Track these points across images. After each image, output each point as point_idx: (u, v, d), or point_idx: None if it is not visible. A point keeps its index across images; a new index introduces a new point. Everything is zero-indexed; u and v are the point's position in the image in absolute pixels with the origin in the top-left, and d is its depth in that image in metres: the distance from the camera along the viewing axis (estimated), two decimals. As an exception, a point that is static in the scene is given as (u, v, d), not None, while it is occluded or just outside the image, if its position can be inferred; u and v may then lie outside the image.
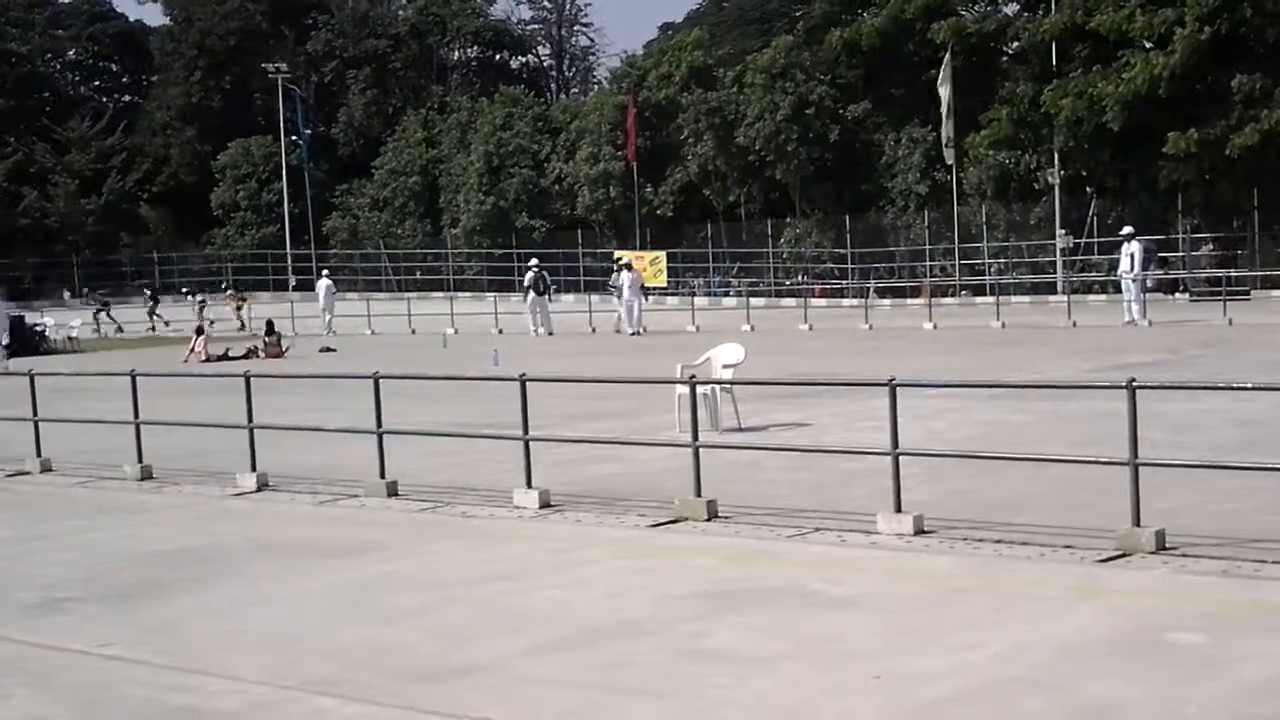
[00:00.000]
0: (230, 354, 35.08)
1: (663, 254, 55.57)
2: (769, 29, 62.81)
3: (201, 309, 46.85)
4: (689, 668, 7.60)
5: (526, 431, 12.97)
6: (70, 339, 43.06)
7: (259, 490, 14.55)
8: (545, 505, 12.65)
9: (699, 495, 11.85)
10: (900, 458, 10.96)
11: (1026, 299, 45.48)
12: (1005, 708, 6.69)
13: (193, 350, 35.11)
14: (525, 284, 42.24)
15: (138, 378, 16.51)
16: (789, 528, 11.18)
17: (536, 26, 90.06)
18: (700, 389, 14.24)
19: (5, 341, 36.25)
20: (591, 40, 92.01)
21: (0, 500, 15.26)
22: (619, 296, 39.61)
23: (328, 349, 37.52)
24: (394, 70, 77.40)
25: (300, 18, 79.09)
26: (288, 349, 36.59)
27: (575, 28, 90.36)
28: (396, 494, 13.66)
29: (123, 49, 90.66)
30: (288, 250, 70.57)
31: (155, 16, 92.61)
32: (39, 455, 16.79)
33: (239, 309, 49.71)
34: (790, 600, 9.03)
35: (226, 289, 56.81)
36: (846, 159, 55.67)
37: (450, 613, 9.14)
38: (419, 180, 68.77)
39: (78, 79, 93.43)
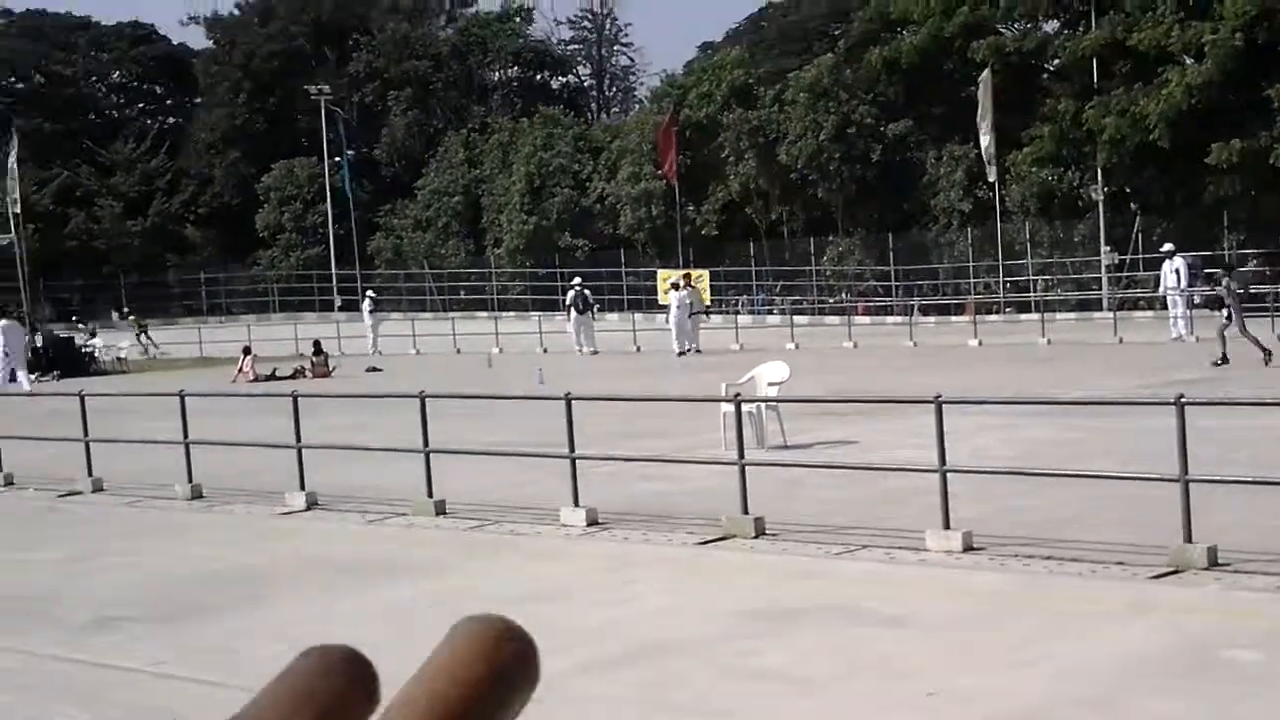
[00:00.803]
0: (278, 374, 35.28)
1: (705, 273, 55.59)
2: (809, 48, 62.80)
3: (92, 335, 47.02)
4: (739, 686, 7.60)
5: (573, 450, 13.00)
6: (119, 359, 43.35)
7: (308, 509, 14.62)
8: (592, 523, 12.67)
9: (746, 513, 11.85)
10: (948, 475, 10.93)
11: (1072, 316, 45.26)
12: (1059, 725, 6.67)
13: (240, 370, 35.33)
14: (567, 303, 42.29)
15: (187, 398, 16.64)
16: (837, 545, 11.17)
17: (577, 47, 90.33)
18: (746, 407, 14.23)
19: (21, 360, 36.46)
20: (631, 60, 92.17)
21: (53, 520, 15.38)
22: (686, 314, 38.89)
23: (374, 368, 37.67)
24: (435, 91, 77.75)
25: (342, 40, 79.57)
26: (334, 369, 36.76)
27: (615, 48, 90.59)
28: (444, 513, 13.71)
29: (166, 71, 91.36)
30: (333, 271, 70.91)
31: (198, 39, 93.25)
32: (90, 475, 16.91)
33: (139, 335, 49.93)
34: (840, 618, 9.01)
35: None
36: (888, 177, 55.60)
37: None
38: (461, 200, 69.03)
39: (122, 101, 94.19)
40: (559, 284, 60.79)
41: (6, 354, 36.13)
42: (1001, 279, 51.14)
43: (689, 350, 37.55)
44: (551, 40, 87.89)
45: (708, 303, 52.89)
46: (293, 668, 0.66)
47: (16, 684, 8.53)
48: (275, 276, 72.75)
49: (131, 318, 54.91)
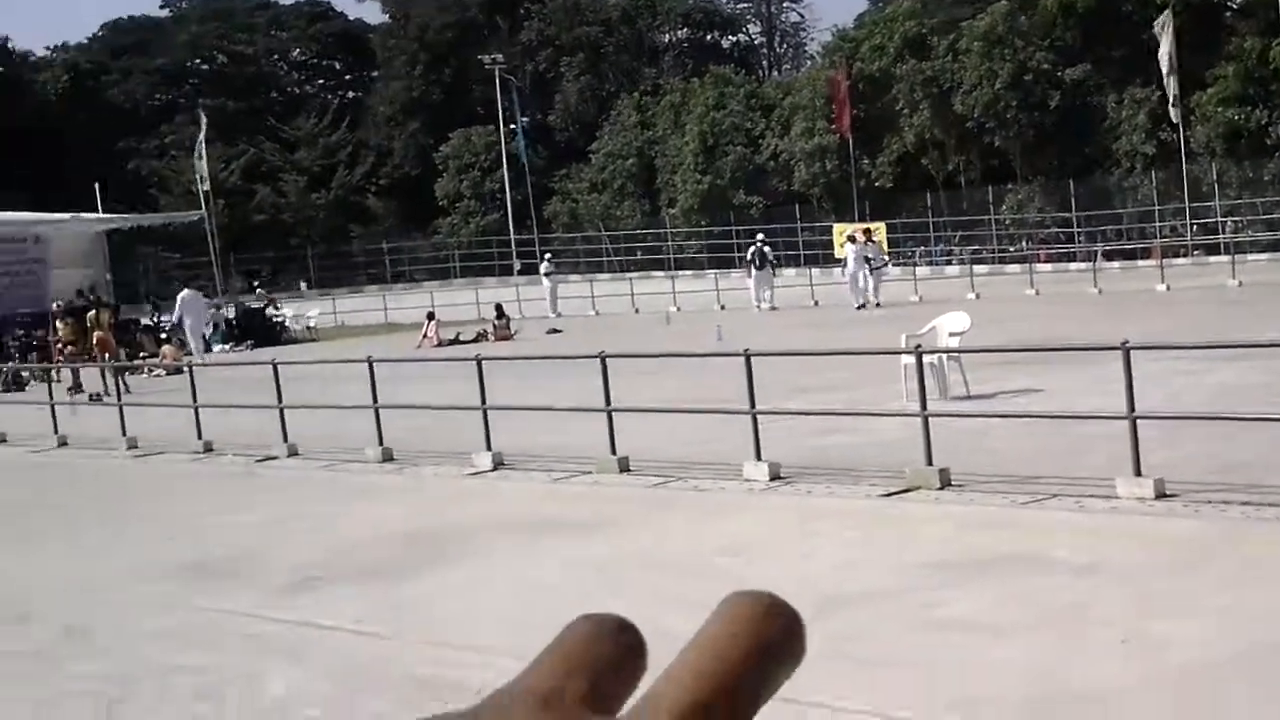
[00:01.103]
0: (461, 338, 35.85)
1: (882, 225, 55.06)
2: (983, -7, 61.74)
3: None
4: (928, 637, 7.58)
5: (753, 405, 13.03)
6: (309, 328, 44.40)
7: (495, 469, 14.87)
8: (775, 478, 12.70)
9: (930, 464, 11.78)
10: (1137, 421, 10.74)
11: (1263, 257, 43.92)
12: (1261, 672, 6.54)
13: (425, 336, 35.97)
14: (747, 259, 42.20)
15: (375, 364, 17.02)
16: (1024, 495, 11.05)
17: (746, 5, 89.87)
18: (927, 358, 14.12)
19: (207, 334, 37.38)
20: (801, 16, 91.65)
21: (252, 485, 15.86)
22: (864, 270, 38.48)
23: (554, 330, 38.08)
24: (606, 55, 78.00)
25: (514, 8, 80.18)
26: (516, 332, 37.24)
27: (785, 4, 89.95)
28: (628, 470, 13.84)
29: (344, 47, 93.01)
30: (511, 236, 71.73)
31: (374, 14, 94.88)
32: (285, 441, 17.38)
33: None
34: (1029, 568, 8.93)
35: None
36: (1067, 122, 54.43)
37: (686, 585, 9.25)
38: (635, 162, 69.26)
39: (302, 78, 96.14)
40: (734, 242, 60.73)
41: (188, 323, 37.21)
42: (1189, 221, 49.83)
43: (868, 304, 37.22)
44: (721, 0, 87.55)
45: (886, 256, 52.36)
46: (565, 635, 0.70)
47: (227, 642, 8.85)
48: (456, 243, 73.81)
49: (260, 290, 55.10)
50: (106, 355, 31.03)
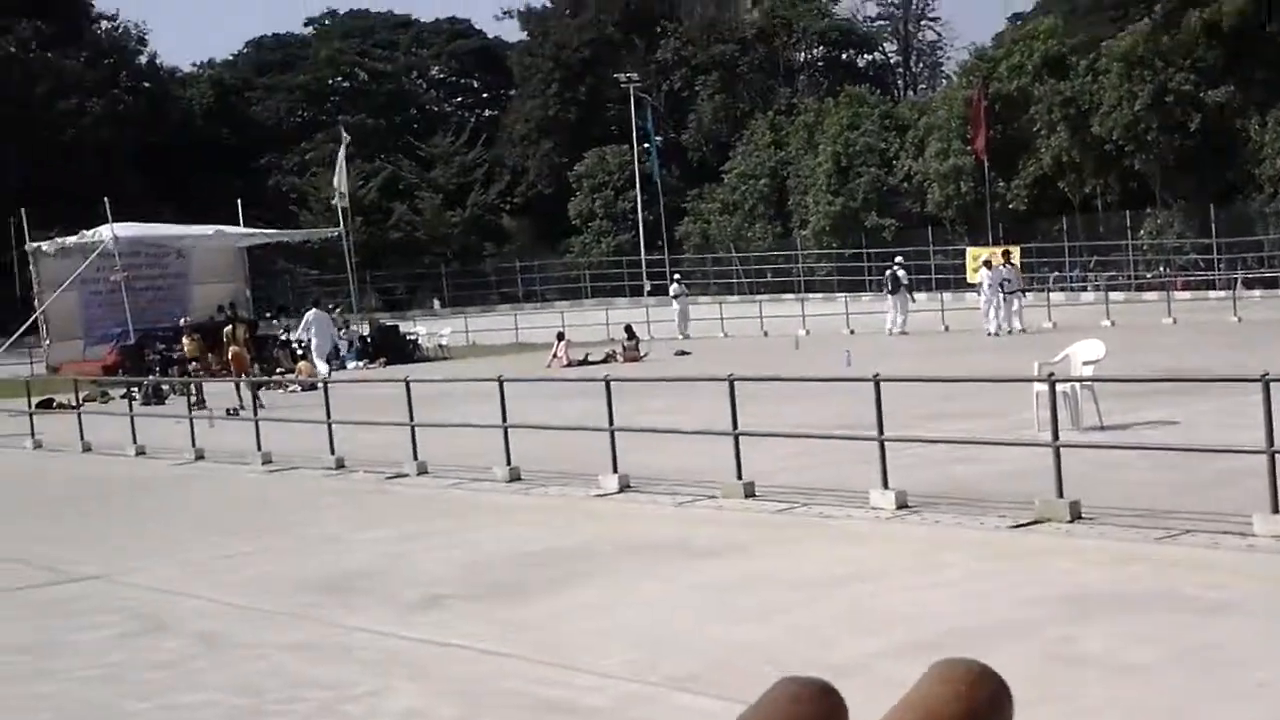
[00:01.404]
0: (590, 359, 36.01)
1: (1016, 249, 54.42)
2: (1124, 15, 60.79)
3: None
4: (1056, 672, 7.47)
5: (881, 432, 12.93)
6: (441, 346, 44.88)
7: (621, 491, 14.90)
8: (902, 506, 12.59)
9: (1061, 496, 11.60)
10: (1277, 456, 10.49)
11: None
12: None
13: (555, 355, 36.17)
14: (886, 282, 41.71)
15: (505, 383, 17.16)
16: (1158, 530, 10.84)
17: (883, 23, 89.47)
18: (1060, 387, 13.91)
19: (327, 351, 37.84)
20: (939, 34, 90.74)
21: (381, 502, 16.06)
22: (999, 293, 37.94)
23: (683, 352, 38.11)
24: (741, 74, 78.04)
25: (651, 27, 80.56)
26: (645, 353, 37.32)
27: (922, 22, 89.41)
28: (753, 495, 13.80)
29: (482, 65, 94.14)
30: (642, 256, 71.98)
31: (513, 33, 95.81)
32: (416, 459, 17.58)
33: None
34: (1162, 605, 8.76)
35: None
36: (1209, 146, 53.42)
37: (811, 612, 9.21)
38: (768, 183, 69.18)
39: (440, 96, 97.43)
40: (865, 264, 60.44)
41: (315, 343, 37.77)
42: (1336, 250, 48.66)
43: (1006, 330, 36.62)
44: (857, 18, 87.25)
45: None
46: (766, 697, 0.70)
47: (357, 657, 8.96)
48: (587, 263, 74.21)
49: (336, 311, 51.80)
50: (241, 371, 31.61)
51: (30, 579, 12.49)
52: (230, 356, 33.17)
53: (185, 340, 34.93)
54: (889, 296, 40.68)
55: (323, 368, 35.57)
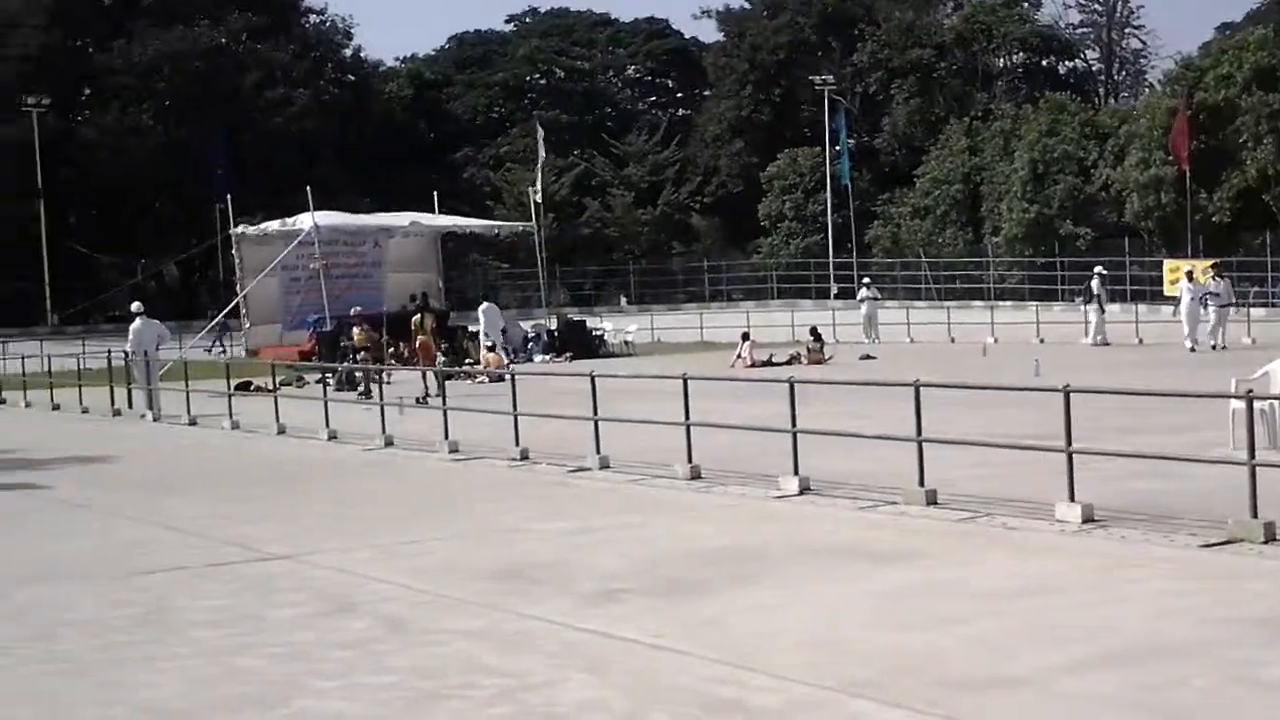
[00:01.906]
0: (774, 360, 35.97)
1: (1213, 263, 52.94)
2: (1340, 25, 58.85)
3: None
4: (1245, 694, 7.30)
5: (1070, 443, 12.73)
6: (626, 343, 45.19)
7: (801, 494, 14.88)
8: (1088, 520, 12.37)
9: (1255, 516, 11.31)
10: None
11: None
12: None
13: (739, 355, 36.20)
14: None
15: (689, 380, 17.25)
16: (1355, 556, 10.51)
17: (1086, 30, 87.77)
18: (1258, 404, 13.54)
19: (530, 346, 38.32)
20: (1143, 42, 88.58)
21: (563, 494, 16.25)
22: (1202, 307, 36.88)
23: (868, 356, 37.86)
24: (938, 79, 77.20)
25: (849, 29, 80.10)
26: (830, 356, 37.16)
27: (1126, 30, 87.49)
28: (935, 502, 13.68)
29: (678, 65, 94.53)
30: (830, 259, 71.65)
31: (709, 33, 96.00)
32: (598, 453, 17.75)
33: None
34: (1356, 632, 8.49)
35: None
36: None
37: (990, 623, 9.11)
38: (961, 188, 68.35)
39: (635, 94, 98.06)
40: (1058, 273, 59.36)
41: (488, 334, 38.54)
42: None
43: (1210, 345, 35.47)
44: (1059, 24, 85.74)
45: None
46: None
47: (538, 648, 9.09)
48: (774, 264, 74.07)
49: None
50: (428, 359, 32.21)
51: (225, 556, 12.90)
52: (418, 345, 33.81)
53: (355, 330, 35.67)
54: (1083, 306, 39.91)
55: (484, 356, 36.20)
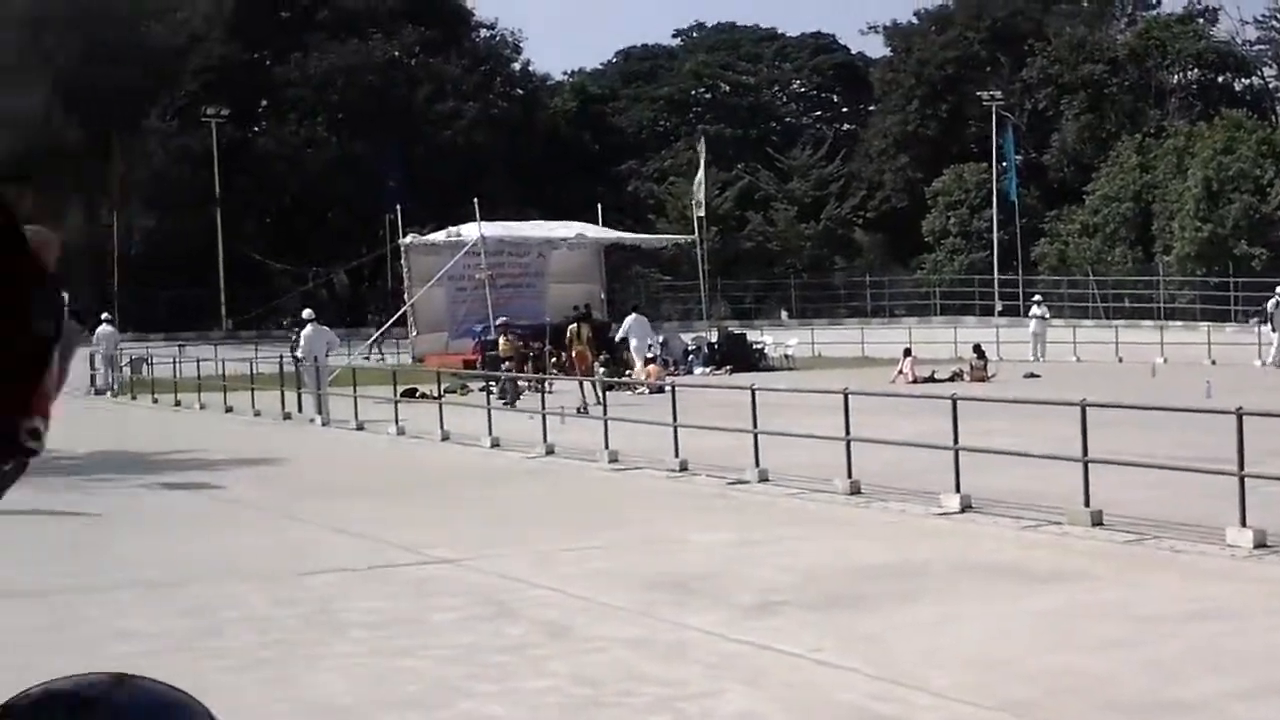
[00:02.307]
0: (936, 376, 35.62)
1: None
2: None
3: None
4: None
5: (1242, 467, 12.44)
6: (787, 356, 45.08)
7: (962, 511, 14.73)
8: (1260, 545, 12.07)
9: None
10: None
11: None
12: None
13: (900, 371, 35.92)
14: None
15: (850, 395, 17.17)
16: None
17: (1263, 47, 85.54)
18: None
19: (691, 358, 38.44)
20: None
21: (722, 506, 16.27)
22: None
23: (1032, 374, 37.31)
24: (1109, 95, 75.81)
25: (1018, 45, 79.04)
26: (993, 374, 36.70)
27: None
28: (1100, 524, 13.45)
29: (844, 80, 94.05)
30: (995, 275, 70.71)
31: (876, 48, 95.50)
32: (757, 465, 17.74)
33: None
34: None
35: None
36: None
37: (1157, 647, 8.95)
38: (1131, 206, 67.04)
39: (800, 109, 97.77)
40: (1231, 294, 57.93)
41: (633, 344, 38.84)
42: None
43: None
44: (1235, 40, 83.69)
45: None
46: None
47: (695, 658, 9.14)
48: (937, 280, 73.31)
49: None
50: (585, 369, 32.52)
51: (390, 558, 13.14)
52: (574, 355, 34.14)
53: (501, 340, 36.16)
54: (1259, 328, 38.95)
55: (639, 368, 36.40)
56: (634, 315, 40.76)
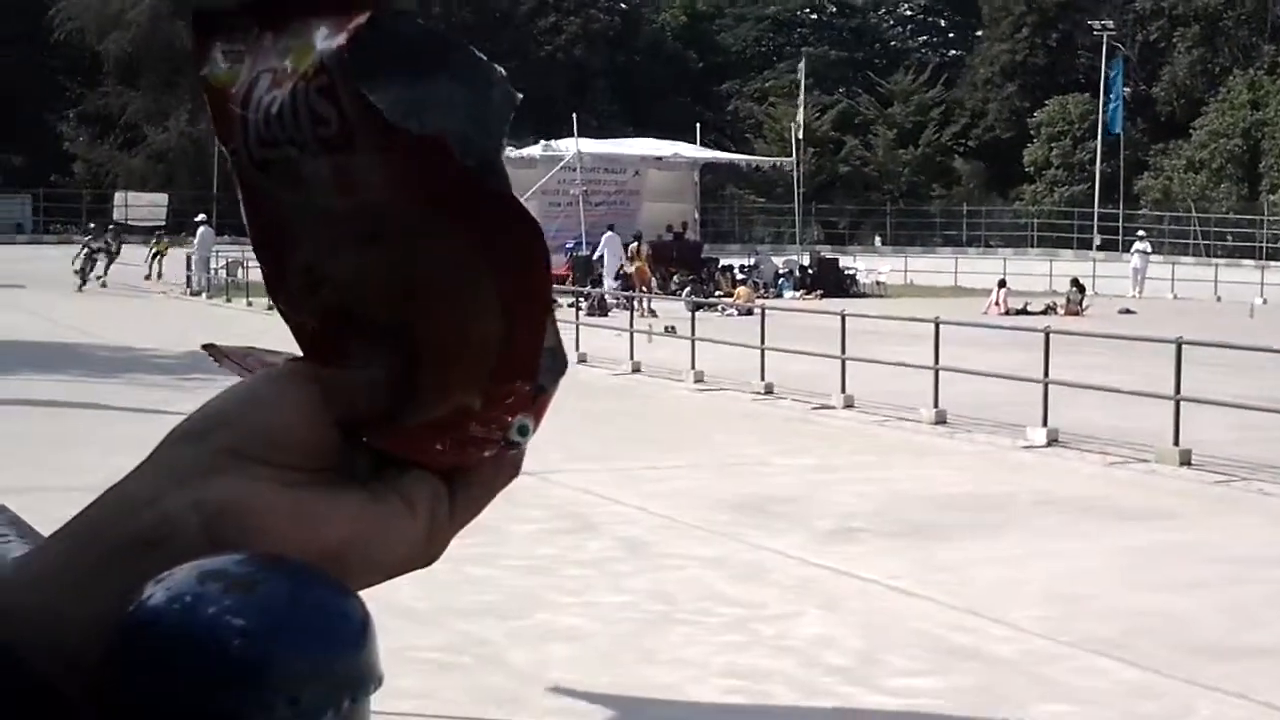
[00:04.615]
0: (1029, 309, 35.28)
1: None
2: None
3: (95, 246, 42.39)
4: None
5: (1338, 413, 12.23)
6: (878, 283, 44.77)
7: (1048, 445, 14.61)
8: (1352, 493, 11.89)
9: None
10: None
11: None
12: None
13: (994, 303, 35.65)
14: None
15: (940, 325, 17.03)
16: None
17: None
18: None
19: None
20: None
21: (806, 431, 16.24)
22: None
23: (1127, 310, 36.84)
24: (1224, 29, 74.14)
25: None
26: (1087, 308, 36.27)
27: None
28: (1189, 463, 13.29)
29: (952, 4, 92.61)
30: (1095, 209, 69.68)
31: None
32: (843, 391, 17.67)
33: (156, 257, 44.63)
34: None
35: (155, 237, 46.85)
36: None
37: (1240, 590, 8.85)
38: (1240, 143, 65.75)
39: (906, 33, 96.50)
40: (1338, 235, 56.81)
41: (607, 262, 38.96)
42: None
43: None
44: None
45: None
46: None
47: (773, 580, 9.16)
48: (1036, 212, 72.40)
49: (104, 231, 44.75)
50: (644, 286, 32.67)
51: (473, 468, 13.23)
52: (634, 271, 34.40)
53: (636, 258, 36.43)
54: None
55: (611, 284, 36.31)
56: (610, 233, 40.69)
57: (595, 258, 40.22)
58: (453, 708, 6.61)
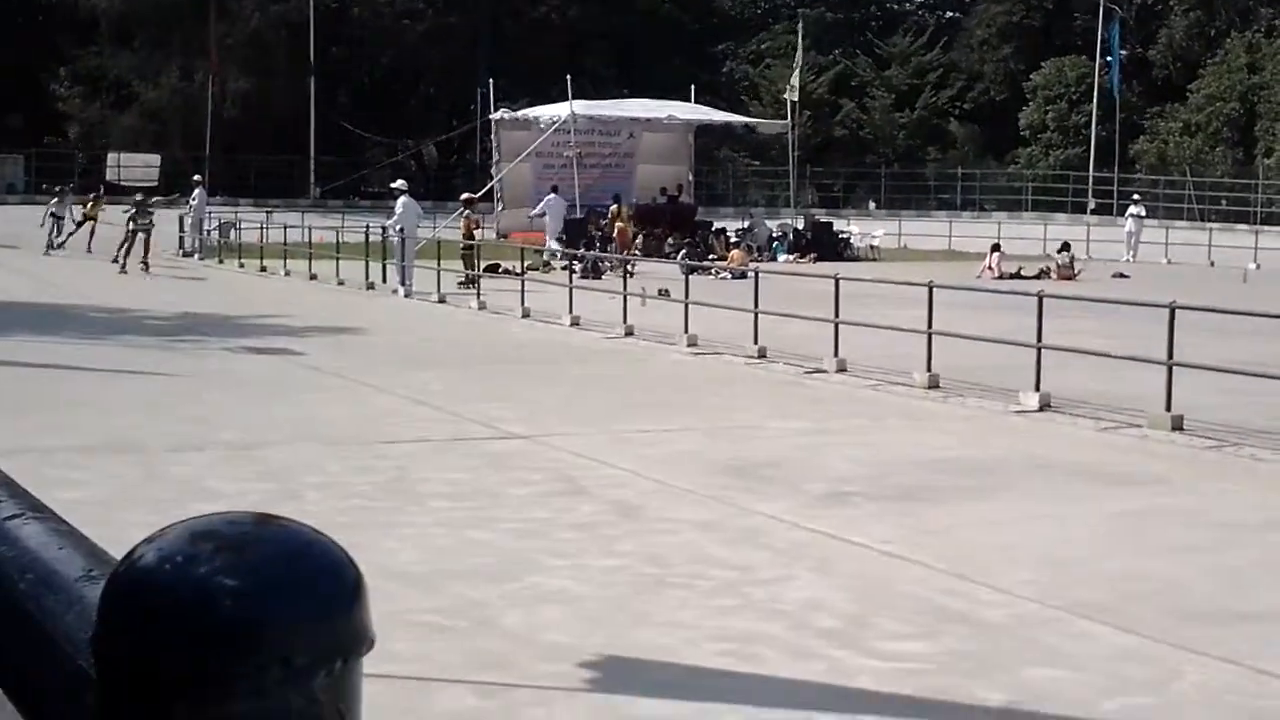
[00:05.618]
0: (1023, 273, 35.29)
1: None
2: None
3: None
4: None
5: (1330, 378, 12.26)
6: (872, 247, 44.76)
7: (1040, 410, 14.64)
8: (1344, 458, 11.93)
9: None
10: None
11: None
12: None
13: (987, 266, 35.66)
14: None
15: (934, 289, 17.03)
16: None
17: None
18: None
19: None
20: None
21: (798, 394, 16.26)
22: None
23: (1121, 275, 36.86)
24: (1221, -10, 73.97)
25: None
26: (1080, 271, 36.29)
27: None
28: (1181, 428, 13.33)
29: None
30: (1090, 173, 69.60)
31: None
32: (836, 355, 17.69)
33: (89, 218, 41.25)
34: None
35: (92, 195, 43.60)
36: None
37: (1230, 555, 8.88)
38: (1236, 107, 65.66)
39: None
40: (1332, 200, 56.80)
41: (549, 225, 38.99)
42: None
43: None
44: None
45: None
46: None
47: (765, 544, 9.18)
48: (1031, 175, 72.32)
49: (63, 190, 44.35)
50: (624, 247, 32.72)
51: (467, 431, 13.26)
52: (614, 232, 34.52)
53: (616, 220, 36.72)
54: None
55: (554, 245, 36.39)
56: (553, 195, 40.76)
57: (535, 214, 40.39)
58: (446, 670, 6.64)
